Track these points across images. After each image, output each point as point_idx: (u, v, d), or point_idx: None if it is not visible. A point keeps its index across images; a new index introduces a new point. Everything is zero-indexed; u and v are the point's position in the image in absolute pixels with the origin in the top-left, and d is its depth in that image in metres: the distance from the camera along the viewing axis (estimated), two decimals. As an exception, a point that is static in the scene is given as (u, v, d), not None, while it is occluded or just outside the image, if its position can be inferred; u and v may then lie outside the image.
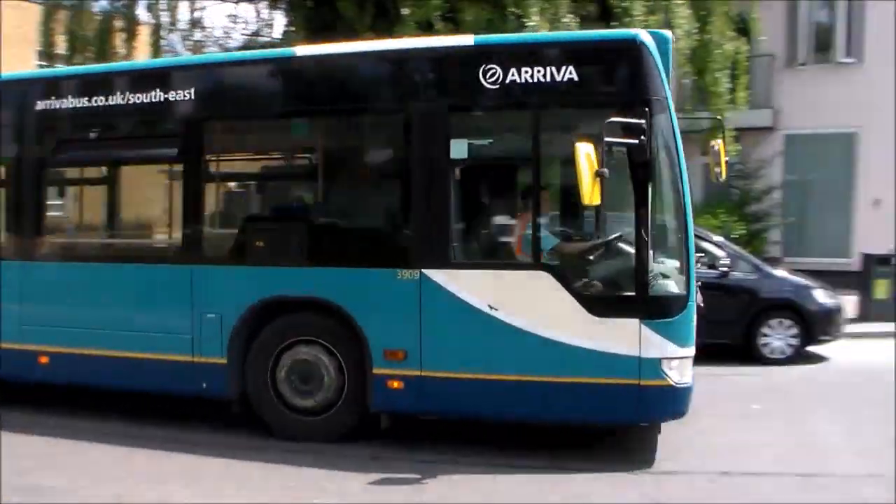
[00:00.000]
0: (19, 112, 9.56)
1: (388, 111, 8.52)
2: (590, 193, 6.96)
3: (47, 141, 9.65)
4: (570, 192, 8.03)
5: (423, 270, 7.88)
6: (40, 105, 9.38)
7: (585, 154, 6.94)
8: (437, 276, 7.85)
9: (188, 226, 8.82)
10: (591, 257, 8.10)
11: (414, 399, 8.01)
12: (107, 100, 9.09)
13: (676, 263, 7.85)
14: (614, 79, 7.87)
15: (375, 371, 8.02)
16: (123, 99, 8.99)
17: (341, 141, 9.15)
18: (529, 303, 7.70)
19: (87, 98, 9.20)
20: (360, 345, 8.10)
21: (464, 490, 7.11)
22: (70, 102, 9.25)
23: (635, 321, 7.44)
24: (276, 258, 8.40)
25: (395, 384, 8.01)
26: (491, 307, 7.70)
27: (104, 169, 10.19)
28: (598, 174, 6.92)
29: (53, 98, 9.33)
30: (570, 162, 7.24)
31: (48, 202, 9.88)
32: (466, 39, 8.54)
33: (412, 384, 7.94)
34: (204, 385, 8.59)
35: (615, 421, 8.07)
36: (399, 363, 7.97)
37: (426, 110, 8.04)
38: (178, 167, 9.09)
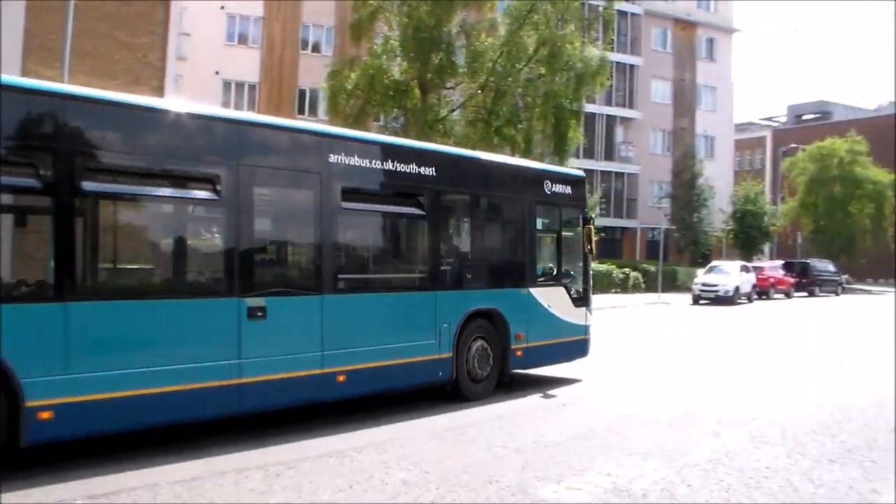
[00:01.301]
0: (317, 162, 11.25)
1: (514, 199, 14.73)
2: (593, 249, 16.35)
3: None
4: (561, 248, 15.68)
5: (529, 289, 14.59)
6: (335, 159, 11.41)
7: (591, 231, 16.13)
8: (534, 291, 14.67)
9: (433, 264, 13.03)
10: (570, 279, 15.86)
11: (524, 361, 14.45)
12: (385, 165, 12.19)
13: (586, 280, 16.43)
14: (578, 193, 16.15)
15: (511, 347, 14.00)
16: (396, 167, 12.32)
17: (495, 215, 14.91)
18: (558, 302, 15.21)
19: (373, 162, 12.01)
20: (501, 334, 13.87)
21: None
22: (361, 162, 11.77)
23: (584, 308, 15.96)
24: (478, 284, 13.68)
25: (518, 353, 14.19)
26: (549, 306, 14.97)
27: (378, 219, 12.92)
28: (594, 241, 16.41)
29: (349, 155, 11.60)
30: (569, 233, 15.97)
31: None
32: (538, 165, 17.78)
33: (524, 352, 14.29)
34: (440, 374, 12.80)
35: (577, 357, 15.87)
36: (520, 342, 14.18)
37: (528, 202, 14.80)
38: (424, 223, 12.97)
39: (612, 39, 51.89)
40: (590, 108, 50.98)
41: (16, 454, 8.30)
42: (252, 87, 52.51)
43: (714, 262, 51.89)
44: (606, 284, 49.97)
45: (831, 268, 62.16)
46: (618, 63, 62.00)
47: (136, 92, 11.80)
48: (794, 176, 74.20)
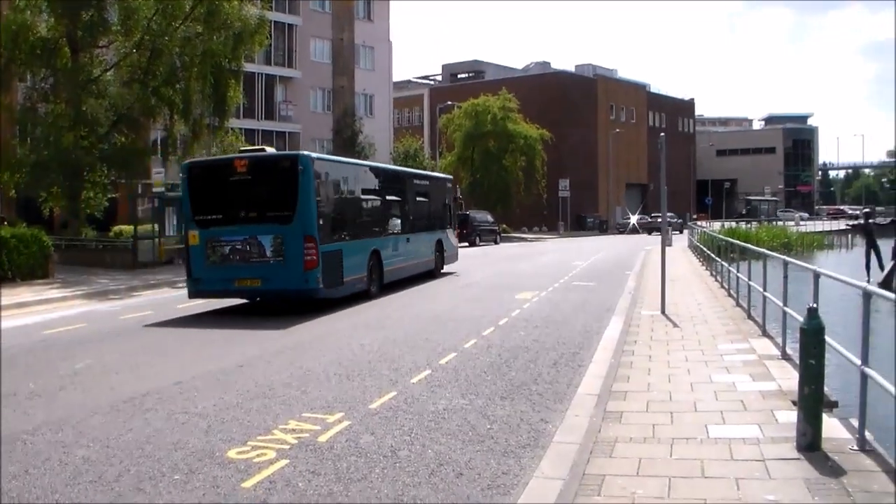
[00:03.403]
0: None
1: (442, 191, 33.41)
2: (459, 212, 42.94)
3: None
4: (448, 211, 33.69)
5: (447, 230, 32.64)
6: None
7: (459, 203, 40.97)
8: (447, 231, 32.78)
9: (429, 221, 30.68)
10: (452, 226, 34.26)
11: (445, 263, 32.05)
12: (424, 184, 31.87)
13: (454, 227, 35.64)
14: (449, 184, 35.60)
15: (443, 254, 31.78)
16: (425, 184, 31.96)
17: (439, 198, 32.57)
18: (452, 236, 33.62)
19: (422, 181, 32.14)
20: (441, 249, 31.31)
21: None
22: (420, 182, 31.66)
23: (457, 239, 35.81)
24: (437, 228, 31.42)
25: (445, 257, 31.99)
26: (450, 237, 33.16)
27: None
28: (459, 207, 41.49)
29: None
30: (451, 201, 35.15)
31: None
32: (442, 174, 39.82)
33: (445, 257, 31.99)
34: (433, 267, 30.44)
35: (454, 262, 33.60)
36: (444, 252, 31.74)
37: (443, 191, 33.58)
38: (427, 204, 30.98)
39: (271, -1, 51.59)
40: (249, 67, 50.34)
41: (383, 287, 23.90)
42: None
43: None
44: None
45: (489, 218, 65.43)
46: (276, 22, 61.75)
47: None
48: (452, 132, 77.37)
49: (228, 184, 20.17)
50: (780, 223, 79.59)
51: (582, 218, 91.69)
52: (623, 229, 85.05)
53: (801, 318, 7.87)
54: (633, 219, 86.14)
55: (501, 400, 10.22)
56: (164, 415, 9.82)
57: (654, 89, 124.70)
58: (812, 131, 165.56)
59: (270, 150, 22.56)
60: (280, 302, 20.77)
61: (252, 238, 19.68)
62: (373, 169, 27.24)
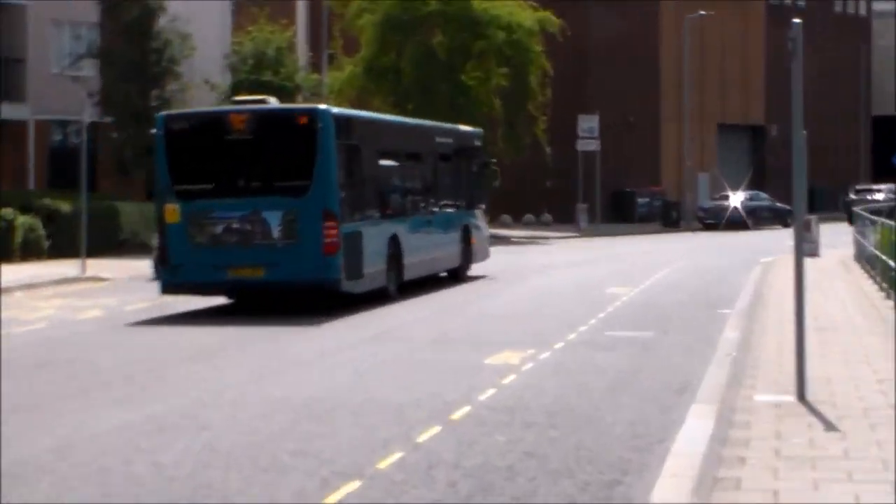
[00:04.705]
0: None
1: (473, 149, 54.03)
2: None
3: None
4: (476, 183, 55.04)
5: (474, 211, 51.73)
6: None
7: (492, 167, 60.38)
8: (475, 214, 51.74)
9: (431, 194, 47.85)
10: (483, 205, 55.33)
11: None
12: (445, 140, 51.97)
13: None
14: (475, 141, 54.92)
15: (471, 241, 49.71)
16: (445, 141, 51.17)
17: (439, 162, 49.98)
18: (483, 224, 53.84)
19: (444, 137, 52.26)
20: (468, 241, 48.92)
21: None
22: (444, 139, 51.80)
23: (487, 228, 56.00)
24: (457, 210, 50.01)
25: (474, 243, 50.51)
26: (481, 225, 52.86)
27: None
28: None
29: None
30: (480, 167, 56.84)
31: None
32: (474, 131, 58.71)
33: (470, 252, 50.22)
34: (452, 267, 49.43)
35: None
36: (471, 244, 49.52)
37: (467, 153, 52.53)
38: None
39: None
40: None
41: (403, 286, 38.99)
42: None
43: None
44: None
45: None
46: None
47: None
48: (354, 15, 76.68)
49: (222, 144, 29.92)
50: None
51: (626, 197, 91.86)
52: (715, 220, 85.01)
53: None
54: (735, 198, 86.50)
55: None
56: None
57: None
58: None
59: (272, 100, 33.19)
60: (287, 297, 30.44)
61: (254, 214, 29.24)
62: (393, 125, 44.71)
